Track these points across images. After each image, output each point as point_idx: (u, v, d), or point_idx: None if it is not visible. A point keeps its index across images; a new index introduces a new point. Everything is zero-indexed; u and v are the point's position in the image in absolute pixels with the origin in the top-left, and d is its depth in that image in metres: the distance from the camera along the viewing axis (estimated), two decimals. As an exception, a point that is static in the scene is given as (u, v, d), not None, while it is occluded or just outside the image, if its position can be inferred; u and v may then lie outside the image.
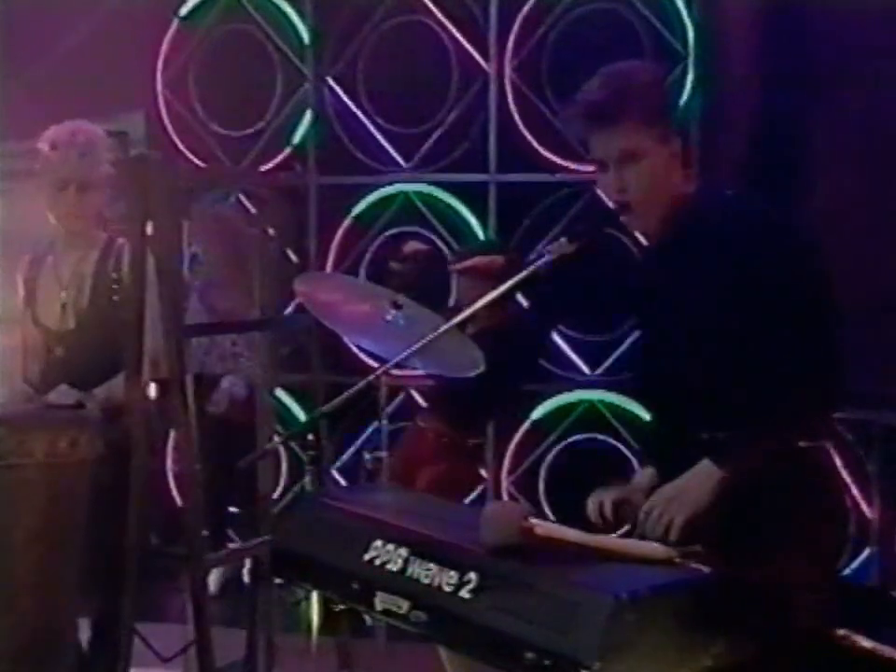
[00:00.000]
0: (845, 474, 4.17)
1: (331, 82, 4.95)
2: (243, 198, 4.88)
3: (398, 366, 2.49)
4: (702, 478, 2.14)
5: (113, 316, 3.04)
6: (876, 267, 4.06)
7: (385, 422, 3.06)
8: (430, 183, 4.80)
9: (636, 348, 2.53)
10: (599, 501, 2.34)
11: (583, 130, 2.26)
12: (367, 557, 2.08)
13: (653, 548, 2.03)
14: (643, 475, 2.38)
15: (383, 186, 4.87)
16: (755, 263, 2.16)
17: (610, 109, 2.20)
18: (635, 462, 4.08)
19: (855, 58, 4.11)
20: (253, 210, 4.69)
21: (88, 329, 3.13)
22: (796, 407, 2.17)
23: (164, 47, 5.12)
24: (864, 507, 4.19)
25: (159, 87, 5.15)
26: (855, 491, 4.20)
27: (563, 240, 2.30)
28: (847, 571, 4.17)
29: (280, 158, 4.98)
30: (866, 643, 2.95)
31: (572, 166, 4.50)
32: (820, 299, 2.21)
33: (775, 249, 2.19)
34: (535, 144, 4.61)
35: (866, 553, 4.18)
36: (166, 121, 5.12)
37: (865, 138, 4.11)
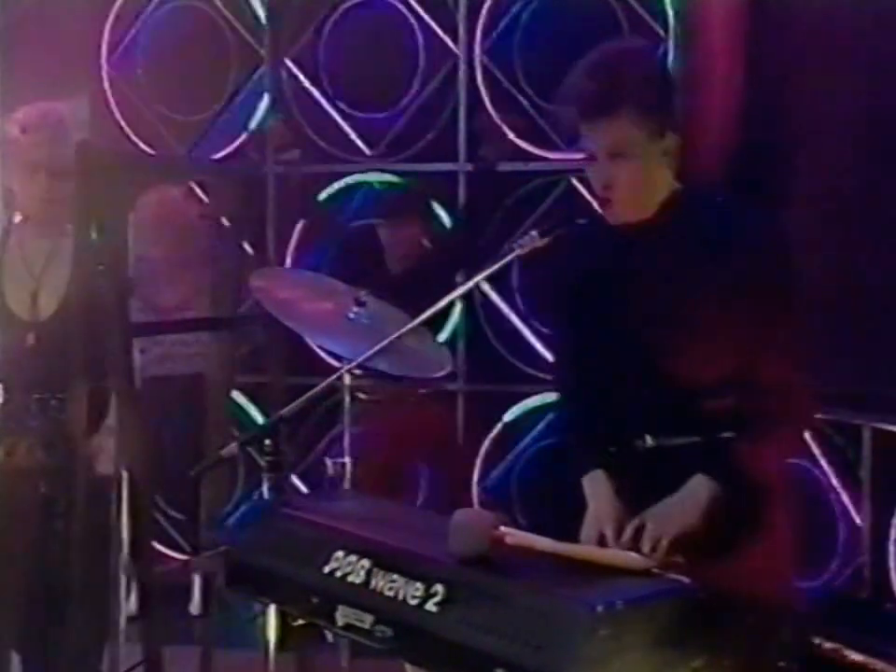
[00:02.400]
0: (834, 479, 4.23)
1: (290, 64, 4.95)
2: (195, 187, 4.88)
3: (361, 366, 2.51)
4: (695, 495, 2.16)
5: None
6: (869, 268, 4.11)
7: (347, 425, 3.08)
8: (396, 172, 4.81)
9: (569, 345, 2.48)
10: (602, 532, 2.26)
11: (574, 118, 2.24)
12: (327, 569, 2.10)
13: (630, 557, 2.06)
14: (600, 483, 2.33)
15: (345, 175, 4.88)
16: (739, 266, 2.19)
17: (602, 102, 2.18)
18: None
19: (845, 46, 4.14)
20: (206, 200, 4.70)
21: (63, 322, 3.13)
22: (772, 412, 2.20)
23: (109, 23, 5.10)
24: (854, 514, 4.23)
25: (103, 66, 5.13)
26: (845, 497, 4.25)
27: (534, 234, 2.32)
28: (837, 582, 4.22)
29: (235, 144, 4.98)
30: (857, 657, 3.00)
31: (546, 154, 4.53)
32: (798, 303, 2.26)
33: (759, 254, 2.22)
34: (507, 131, 4.63)
35: (857, 562, 4.22)
36: (111, 104, 5.11)
37: (855, 132, 4.15)
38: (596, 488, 2.30)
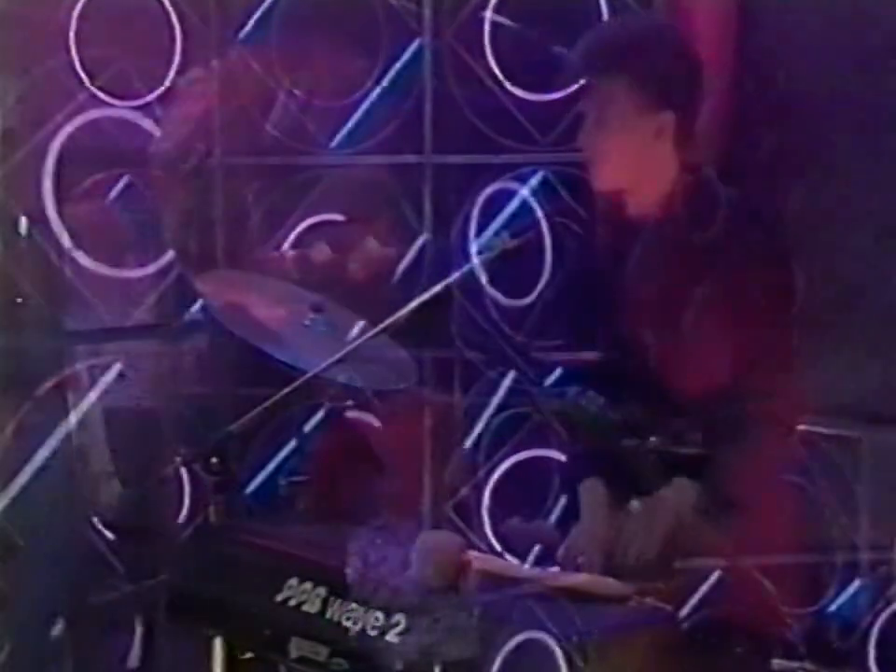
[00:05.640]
0: (830, 496, 4.26)
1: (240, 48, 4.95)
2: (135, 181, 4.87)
3: (317, 377, 2.52)
4: (679, 493, 2.20)
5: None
6: (870, 281, 4.15)
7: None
8: (357, 165, 4.82)
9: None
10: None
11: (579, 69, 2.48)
12: (280, 598, 2.11)
13: (608, 584, 2.08)
14: (595, 492, 2.40)
15: (302, 167, 4.88)
16: (743, 264, 2.24)
17: (600, 59, 2.42)
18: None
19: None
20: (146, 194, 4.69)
21: None
22: (764, 417, 2.25)
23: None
24: (853, 533, 4.27)
25: (34, 47, 5.10)
26: (842, 515, 4.28)
27: (505, 234, 2.35)
28: (833, 606, 4.25)
29: (182, 133, 4.96)
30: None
31: (519, 146, 4.54)
32: (792, 307, 2.31)
33: (764, 252, 2.27)
34: (476, 120, 4.64)
35: (855, 584, 4.26)
36: (42, 88, 5.08)
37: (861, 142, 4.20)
38: (592, 500, 2.41)
